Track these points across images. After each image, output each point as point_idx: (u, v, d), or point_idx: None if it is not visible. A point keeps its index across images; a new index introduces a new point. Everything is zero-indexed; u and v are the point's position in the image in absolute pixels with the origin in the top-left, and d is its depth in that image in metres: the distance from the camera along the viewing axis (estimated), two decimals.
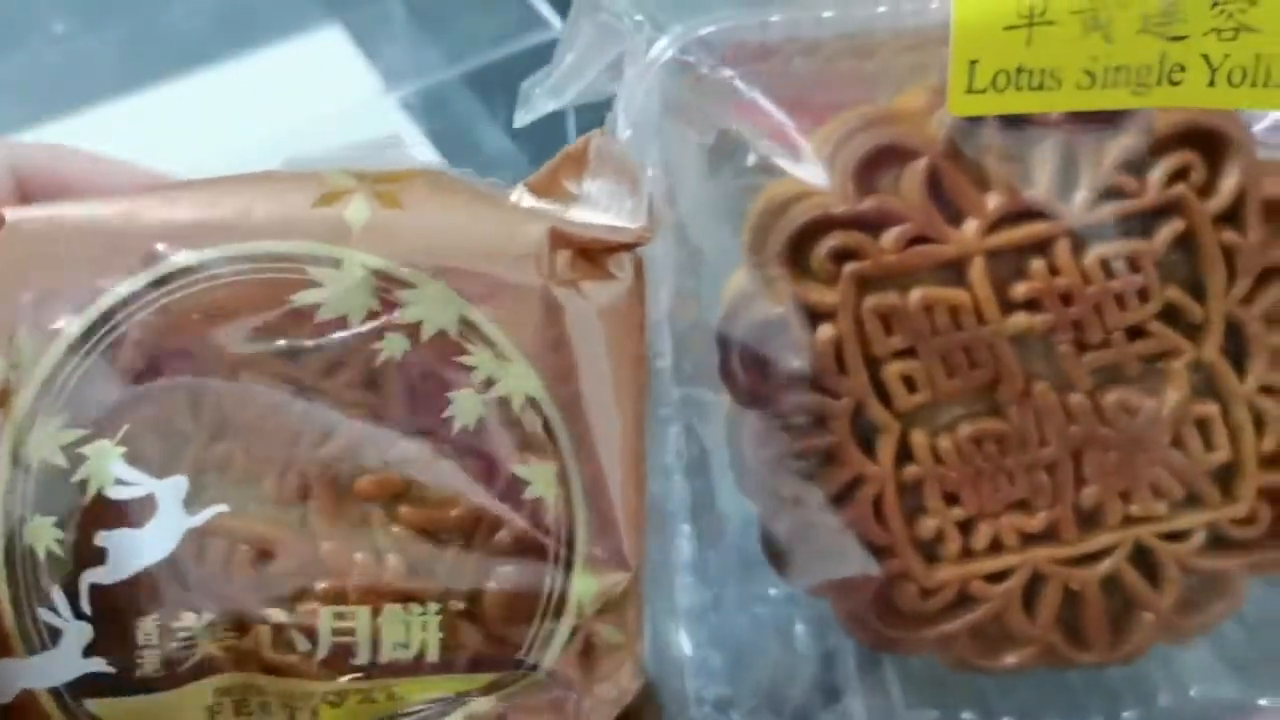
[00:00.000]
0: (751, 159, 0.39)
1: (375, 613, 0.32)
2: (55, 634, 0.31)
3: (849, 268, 0.35)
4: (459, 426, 0.32)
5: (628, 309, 0.33)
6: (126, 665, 0.31)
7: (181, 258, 0.31)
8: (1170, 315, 0.36)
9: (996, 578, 0.37)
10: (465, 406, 0.32)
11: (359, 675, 0.32)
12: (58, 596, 0.31)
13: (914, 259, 0.35)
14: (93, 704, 0.31)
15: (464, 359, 0.31)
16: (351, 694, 0.32)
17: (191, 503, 0.31)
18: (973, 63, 0.33)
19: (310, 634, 0.31)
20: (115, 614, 0.31)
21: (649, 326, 0.35)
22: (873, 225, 0.35)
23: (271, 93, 0.66)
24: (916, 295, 0.35)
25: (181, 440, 0.31)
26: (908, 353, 0.36)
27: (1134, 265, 0.35)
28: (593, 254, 0.33)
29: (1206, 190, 0.35)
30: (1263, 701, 0.39)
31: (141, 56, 0.68)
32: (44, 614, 0.31)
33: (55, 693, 0.31)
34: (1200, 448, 0.37)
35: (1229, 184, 0.35)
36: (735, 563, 0.39)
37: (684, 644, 0.36)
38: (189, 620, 0.31)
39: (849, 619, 0.38)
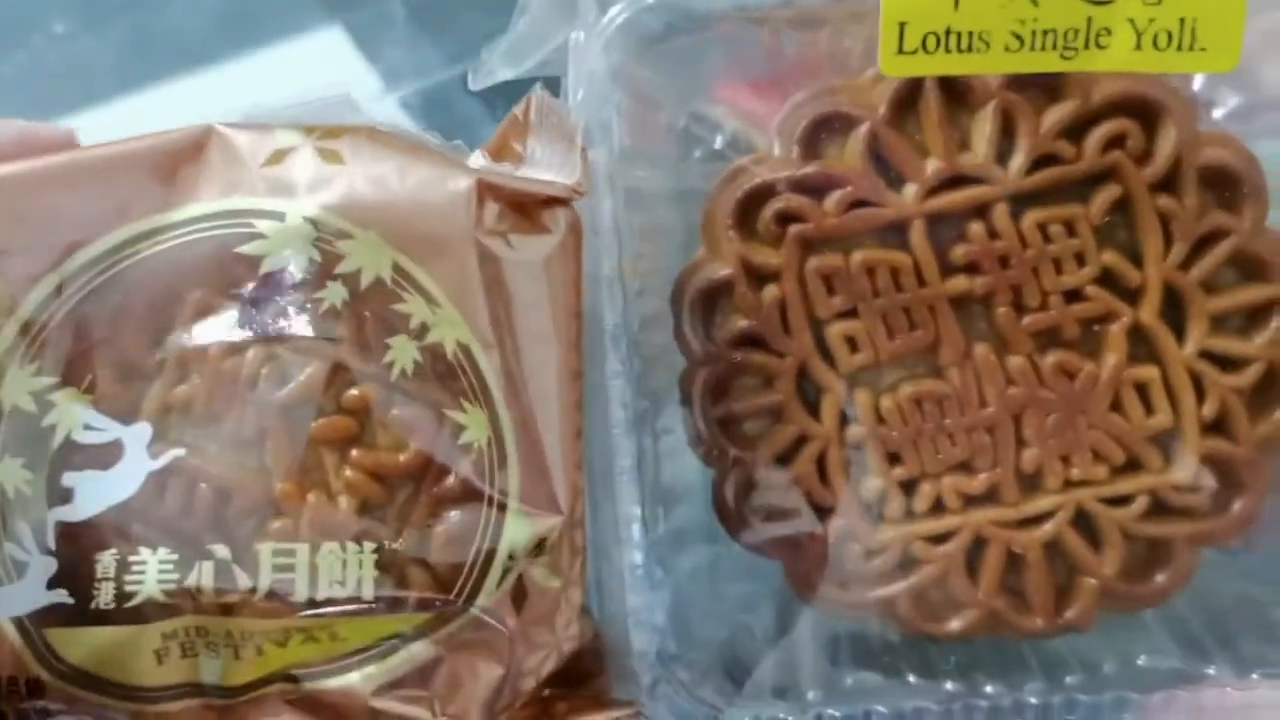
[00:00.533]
0: (719, 142, 0.40)
1: (314, 549, 0.33)
2: (21, 567, 0.33)
3: (793, 230, 0.36)
4: (397, 372, 0.33)
5: (560, 262, 0.34)
6: (84, 596, 0.33)
7: (151, 219, 0.33)
8: (1109, 280, 0.37)
9: (939, 539, 0.38)
10: (401, 352, 0.33)
11: (302, 613, 0.33)
12: (25, 533, 0.33)
13: (855, 222, 0.36)
14: (51, 633, 0.33)
15: (400, 306, 0.33)
16: (295, 633, 0.33)
17: (155, 443, 0.33)
18: (902, 24, 0.34)
19: (252, 570, 0.33)
20: (79, 549, 0.33)
21: (601, 283, 0.36)
22: (817, 189, 0.36)
23: (272, 94, 0.67)
24: (858, 257, 0.36)
25: (145, 382, 0.33)
26: (850, 314, 0.37)
27: (1070, 230, 0.36)
28: (526, 208, 0.34)
29: (1144, 158, 0.36)
30: (1210, 670, 0.39)
31: (141, 56, 0.69)
32: (11, 549, 0.33)
33: (17, 621, 0.33)
34: (1140, 412, 0.37)
35: (1165, 151, 0.36)
36: (686, 525, 0.39)
37: (629, 597, 0.37)
38: (144, 555, 0.33)
39: (795, 579, 0.38)
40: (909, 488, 0.38)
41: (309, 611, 0.33)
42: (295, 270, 0.33)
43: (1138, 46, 0.34)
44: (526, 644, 0.34)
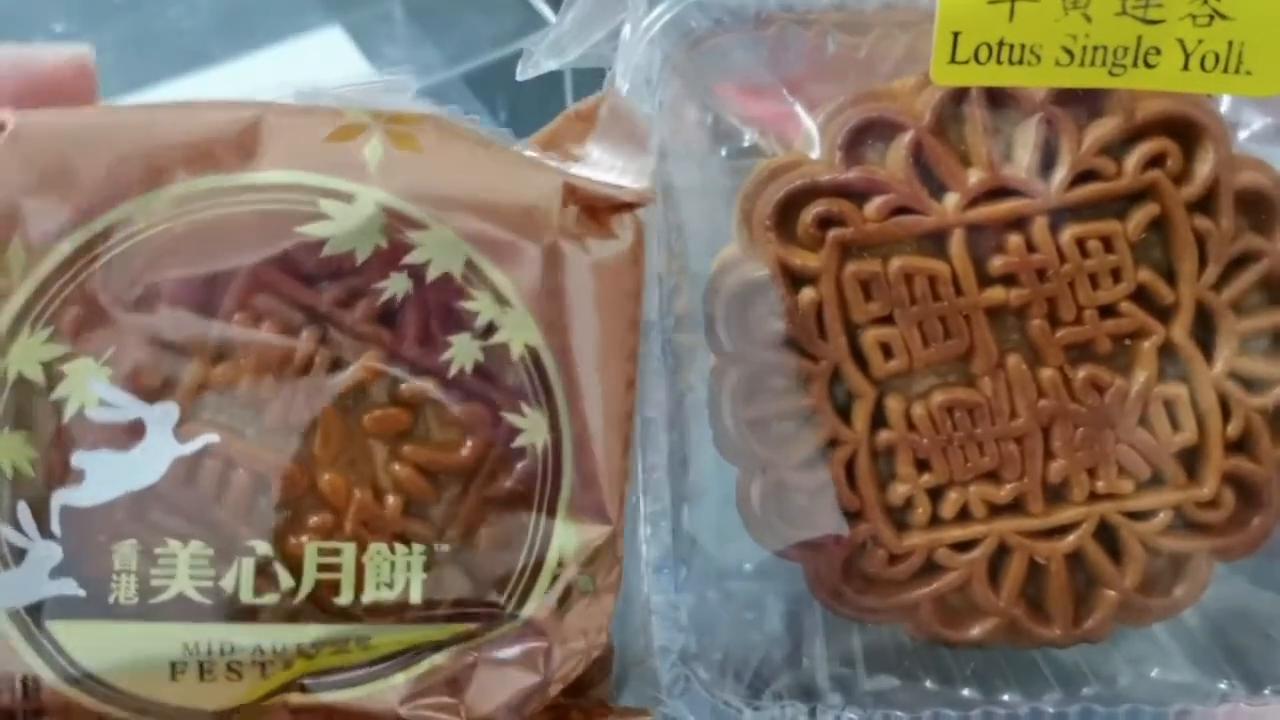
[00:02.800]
0: (748, 140, 0.40)
1: (361, 549, 0.32)
2: (19, 554, 0.31)
3: (833, 234, 0.36)
4: (455, 369, 0.32)
5: (626, 270, 0.33)
6: (100, 589, 0.31)
7: (188, 183, 0.31)
8: (1142, 297, 0.37)
9: (963, 547, 0.38)
10: (463, 350, 0.32)
11: (339, 620, 0.31)
12: (24, 515, 0.31)
13: (896, 229, 0.36)
14: (57, 626, 0.31)
15: (467, 304, 0.32)
16: (326, 644, 0.32)
17: (187, 422, 0.31)
18: (955, 34, 0.34)
19: (295, 570, 0.31)
20: (91, 535, 0.31)
21: (649, 281, 0.36)
22: (858, 195, 0.37)
23: (271, 93, 0.66)
24: (897, 264, 0.37)
25: (182, 359, 0.31)
26: (886, 320, 0.37)
27: (1108, 246, 0.36)
28: (597, 212, 0.33)
29: (1182, 178, 0.37)
30: (1222, 685, 0.39)
31: (141, 56, 0.69)
32: (7, 532, 0.31)
33: (13, 613, 0.31)
34: (1167, 428, 0.38)
35: (1203, 172, 0.37)
36: (706, 524, 0.39)
37: (652, 594, 0.37)
38: (173, 547, 0.31)
39: (817, 583, 0.38)
40: (936, 495, 0.38)
41: (355, 621, 0.31)
42: (359, 256, 0.31)
43: (1185, 67, 0.34)
44: (563, 651, 0.33)
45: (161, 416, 0.31)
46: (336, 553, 0.32)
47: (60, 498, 0.31)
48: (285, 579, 0.31)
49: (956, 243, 0.36)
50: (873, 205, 0.36)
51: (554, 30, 0.38)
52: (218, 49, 0.69)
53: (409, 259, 0.31)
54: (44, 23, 0.70)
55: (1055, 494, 0.38)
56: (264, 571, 0.31)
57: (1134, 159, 0.36)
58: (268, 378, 0.31)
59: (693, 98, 0.39)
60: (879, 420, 0.37)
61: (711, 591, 0.39)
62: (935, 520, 0.38)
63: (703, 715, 0.37)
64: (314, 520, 0.32)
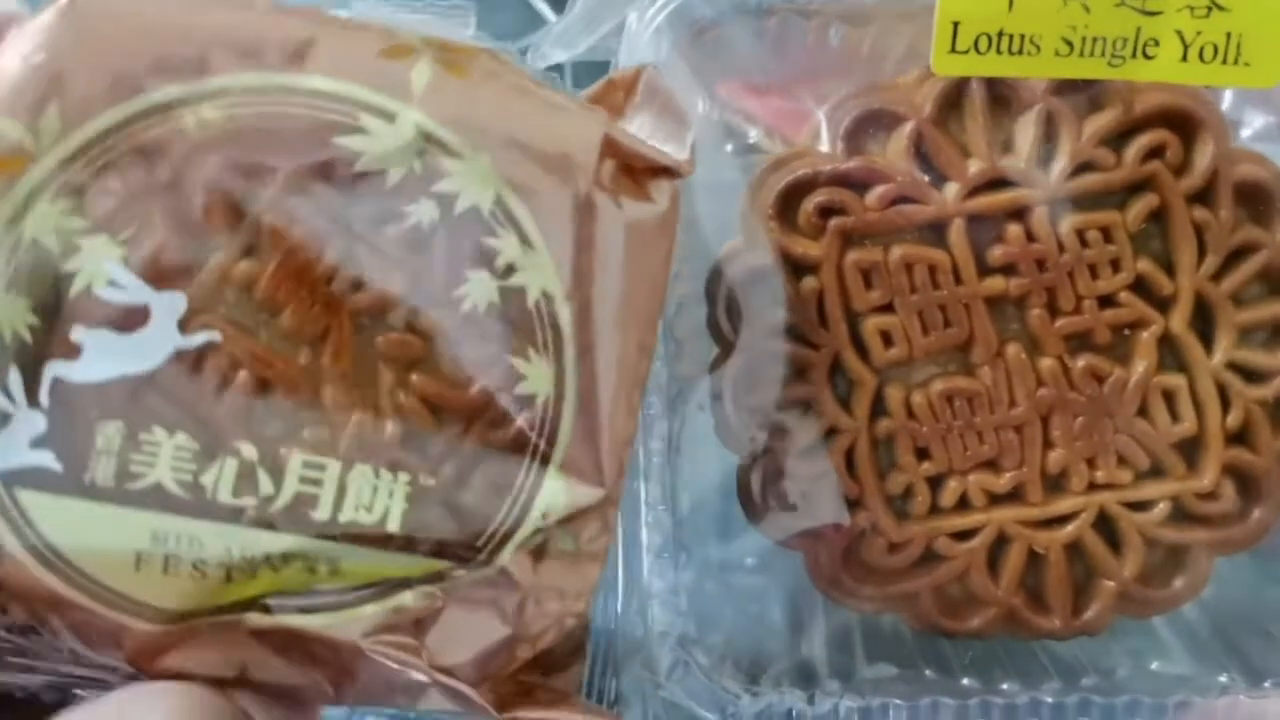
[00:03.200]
0: (754, 136, 0.41)
1: (347, 468, 0.31)
2: (3, 418, 0.30)
3: (834, 222, 0.37)
4: (468, 307, 0.31)
5: (658, 233, 0.33)
6: (77, 466, 0.30)
7: (234, 76, 0.31)
8: (1141, 287, 0.37)
9: (962, 536, 0.38)
10: (479, 288, 0.31)
11: (313, 533, 0.31)
12: (14, 381, 0.30)
13: (896, 218, 0.37)
14: (28, 496, 0.30)
15: (491, 240, 0.31)
16: (297, 558, 0.31)
17: (199, 314, 0.31)
18: (955, 24, 0.34)
19: (277, 478, 0.31)
20: (78, 412, 0.30)
21: None
22: (859, 184, 0.37)
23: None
24: (897, 253, 0.37)
25: (205, 249, 0.31)
26: (886, 309, 0.37)
27: (1107, 236, 0.37)
28: (636, 172, 0.33)
29: (1181, 169, 0.37)
30: (1222, 679, 0.39)
31: None
32: None
33: None
34: (1166, 419, 0.38)
35: (1202, 164, 0.37)
36: (705, 511, 0.40)
37: (651, 578, 0.37)
38: (158, 435, 0.31)
39: (817, 572, 0.39)
40: (935, 483, 0.38)
41: (329, 540, 0.31)
42: (392, 177, 0.31)
43: (1184, 58, 0.34)
44: (536, 609, 0.33)
45: (168, 305, 0.31)
46: (321, 468, 0.31)
47: (53, 369, 0.30)
48: (265, 485, 0.31)
49: (956, 232, 0.37)
50: (873, 194, 0.37)
51: (562, 22, 0.38)
52: None
53: (439, 187, 0.31)
54: None
55: (1054, 484, 0.38)
56: (246, 474, 0.31)
57: (1133, 150, 0.36)
58: (289, 282, 0.31)
59: (698, 89, 0.40)
60: (879, 409, 0.38)
61: (711, 584, 0.40)
62: (934, 509, 0.38)
63: (701, 700, 0.37)
64: (308, 433, 0.31)
